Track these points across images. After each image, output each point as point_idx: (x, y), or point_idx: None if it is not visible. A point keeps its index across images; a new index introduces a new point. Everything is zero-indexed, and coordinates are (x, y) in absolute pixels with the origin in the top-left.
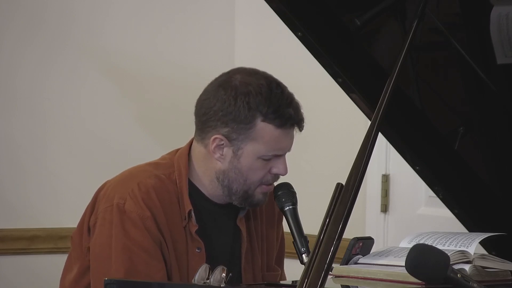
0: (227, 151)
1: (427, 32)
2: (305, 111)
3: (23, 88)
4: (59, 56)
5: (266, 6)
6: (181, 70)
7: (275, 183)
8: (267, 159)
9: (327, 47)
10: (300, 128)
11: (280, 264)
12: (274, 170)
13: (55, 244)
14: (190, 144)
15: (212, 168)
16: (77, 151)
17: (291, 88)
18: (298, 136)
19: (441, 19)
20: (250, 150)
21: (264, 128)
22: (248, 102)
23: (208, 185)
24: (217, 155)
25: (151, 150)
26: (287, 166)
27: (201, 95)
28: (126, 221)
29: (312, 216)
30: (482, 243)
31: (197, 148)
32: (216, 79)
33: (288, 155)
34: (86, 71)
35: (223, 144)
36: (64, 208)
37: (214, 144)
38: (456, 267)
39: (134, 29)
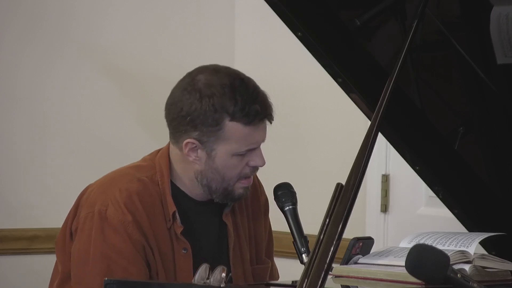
0: (201, 153)
1: (427, 32)
2: (305, 111)
3: (23, 88)
4: (59, 56)
5: (266, 6)
6: (181, 70)
7: (275, 183)
8: (242, 154)
9: (327, 47)
10: (270, 120)
11: (270, 256)
12: (252, 163)
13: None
14: (169, 146)
15: (190, 169)
16: (77, 151)
17: (291, 88)
18: (298, 136)
19: (441, 19)
20: (223, 150)
21: (233, 127)
22: (214, 104)
23: (189, 185)
24: (192, 157)
25: (151, 150)
26: (290, 166)
27: (168, 99)
28: (107, 227)
29: (312, 216)
30: (482, 243)
31: (173, 150)
32: (180, 81)
33: (288, 155)
34: (86, 71)
35: (195, 147)
36: (64, 208)
37: (187, 148)
38: (456, 267)
39: (134, 29)
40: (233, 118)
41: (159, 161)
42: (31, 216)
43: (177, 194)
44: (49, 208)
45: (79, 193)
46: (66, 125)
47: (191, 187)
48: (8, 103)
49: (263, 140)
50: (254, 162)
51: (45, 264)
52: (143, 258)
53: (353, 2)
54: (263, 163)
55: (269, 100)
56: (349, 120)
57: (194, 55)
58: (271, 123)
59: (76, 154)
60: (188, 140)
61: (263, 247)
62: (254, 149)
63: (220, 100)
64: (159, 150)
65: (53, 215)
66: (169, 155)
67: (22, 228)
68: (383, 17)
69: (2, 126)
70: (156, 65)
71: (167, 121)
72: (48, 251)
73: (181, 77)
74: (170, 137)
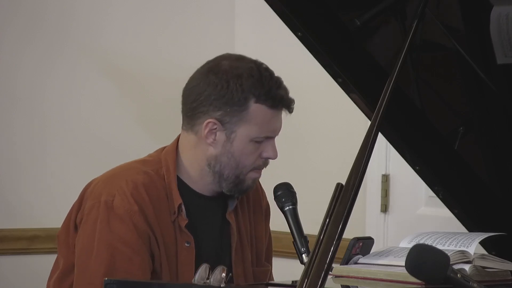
0: (220, 136)
1: (427, 32)
2: (305, 110)
3: (23, 88)
4: (59, 56)
5: (266, 6)
6: (181, 70)
7: (275, 183)
8: (259, 142)
9: (327, 47)
10: (290, 110)
11: (269, 260)
12: (265, 154)
13: (55, 244)
14: (177, 141)
15: (202, 155)
16: (77, 151)
17: (291, 88)
18: (298, 136)
19: (441, 19)
20: (243, 133)
21: (258, 109)
22: (241, 85)
23: (197, 176)
24: (210, 140)
25: (151, 150)
26: (291, 165)
27: (188, 83)
28: (113, 217)
29: (312, 216)
30: (482, 243)
31: (186, 138)
32: (203, 66)
33: (288, 155)
34: (86, 71)
35: (216, 128)
36: (64, 208)
37: (207, 129)
38: (456, 267)
39: (134, 29)
40: (258, 100)
41: (165, 156)
42: (31, 216)
43: (182, 188)
44: (49, 208)
45: (79, 193)
46: (66, 125)
47: (198, 179)
48: (8, 103)
49: (279, 131)
50: (267, 154)
51: (45, 264)
52: (148, 249)
53: (353, 2)
54: (276, 156)
55: (289, 92)
56: (349, 120)
57: (194, 55)
58: (290, 113)
59: (76, 154)
60: (209, 120)
61: (263, 250)
62: (270, 139)
63: (248, 82)
64: (164, 147)
65: (53, 215)
66: (176, 150)
67: (22, 228)
68: (383, 17)
69: (2, 126)
70: (156, 65)
71: (185, 105)
72: (48, 251)
73: (181, 77)
74: (184, 123)
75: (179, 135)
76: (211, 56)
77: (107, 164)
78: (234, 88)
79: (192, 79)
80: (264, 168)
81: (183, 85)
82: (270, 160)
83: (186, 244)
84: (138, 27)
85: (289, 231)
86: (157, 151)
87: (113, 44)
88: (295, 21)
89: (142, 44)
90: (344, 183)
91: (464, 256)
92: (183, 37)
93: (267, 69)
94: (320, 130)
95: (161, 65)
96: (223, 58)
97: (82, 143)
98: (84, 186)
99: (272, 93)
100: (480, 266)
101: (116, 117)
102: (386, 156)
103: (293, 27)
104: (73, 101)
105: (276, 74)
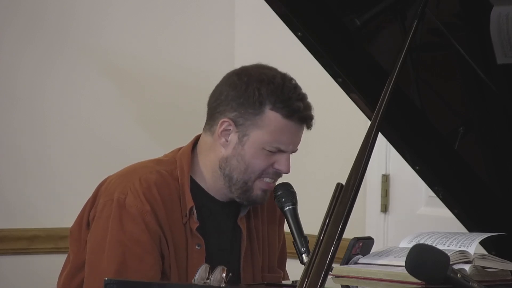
0: (233, 137)
1: (427, 32)
2: None
3: (23, 88)
4: (59, 56)
5: (266, 6)
6: (181, 70)
7: (275, 183)
8: (271, 151)
9: (327, 47)
10: (308, 126)
11: (282, 267)
12: (276, 166)
13: (55, 244)
14: (193, 142)
15: (215, 157)
16: (77, 151)
17: None
18: None
19: (441, 19)
20: (255, 138)
21: (272, 116)
22: (259, 89)
23: (210, 179)
24: (222, 140)
25: (151, 150)
26: (290, 166)
27: (214, 87)
28: (125, 215)
29: (312, 216)
30: (482, 243)
31: (203, 139)
32: (231, 71)
33: None
34: (86, 71)
35: (230, 129)
36: (64, 208)
37: (222, 128)
38: (456, 267)
39: (134, 29)
40: (274, 107)
41: (180, 157)
42: (31, 216)
43: (196, 190)
44: (49, 208)
45: (79, 192)
46: (66, 125)
47: (212, 182)
48: (8, 103)
49: (294, 146)
50: (278, 165)
51: (45, 264)
52: (158, 249)
53: (353, 2)
54: (287, 170)
55: (313, 112)
56: (349, 120)
57: (194, 55)
58: (309, 128)
59: (76, 154)
60: (224, 119)
61: (275, 256)
62: (284, 153)
63: (267, 88)
64: (180, 147)
65: (53, 215)
66: (192, 151)
67: (22, 228)
68: (383, 17)
69: (2, 126)
70: (156, 65)
71: (208, 106)
72: (48, 251)
73: (181, 77)
74: (205, 125)
75: (197, 136)
76: (211, 56)
77: (107, 164)
78: (251, 91)
79: (219, 82)
80: (275, 181)
81: (183, 85)
82: None
83: (197, 247)
84: (138, 27)
85: (289, 231)
86: (173, 151)
87: (113, 44)
88: (295, 21)
89: (142, 44)
90: (344, 183)
91: (464, 256)
92: (183, 37)
93: (295, 83)
94: (320, 130)
95: (161, 65)
96: (254, 66)
97: (82, 143)
98: (83, 186)
99: (290, 103)
100: (480, 266)
101: (116, 117)
102: (386, 156)
103: (293, 27)
104: (73, 101)
105: (303, 91)
